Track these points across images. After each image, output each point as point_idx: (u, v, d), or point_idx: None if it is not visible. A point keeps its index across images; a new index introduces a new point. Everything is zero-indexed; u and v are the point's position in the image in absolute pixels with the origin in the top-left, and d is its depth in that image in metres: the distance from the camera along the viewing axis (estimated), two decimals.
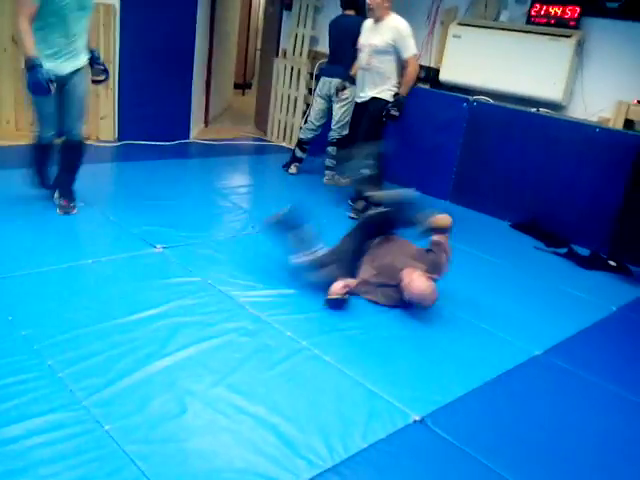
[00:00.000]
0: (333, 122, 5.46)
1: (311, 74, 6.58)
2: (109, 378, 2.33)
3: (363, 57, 4.66)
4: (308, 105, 6.39)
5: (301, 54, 6.74)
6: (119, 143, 5.95)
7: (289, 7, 6.83)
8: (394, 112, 4.50)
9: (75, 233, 3.82)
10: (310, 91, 6.56)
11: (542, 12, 5.10)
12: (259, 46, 9.49)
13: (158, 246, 3.61)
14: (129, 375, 2.37)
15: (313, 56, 6.65)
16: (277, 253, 3.49)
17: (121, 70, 5.84)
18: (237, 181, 5.70)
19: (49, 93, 3.50)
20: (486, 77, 5.34)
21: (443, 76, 5.65)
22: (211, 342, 2.68)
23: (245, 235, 4.07)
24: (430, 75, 5.74)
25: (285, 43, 6.96)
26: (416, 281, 3.09)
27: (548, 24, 5.06)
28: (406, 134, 5.35)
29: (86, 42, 3.79)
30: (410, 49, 4.49)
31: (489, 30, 5.31)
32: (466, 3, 5.61)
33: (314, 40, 6.70)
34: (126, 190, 4.73)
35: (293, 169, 5.75)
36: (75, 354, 2.45)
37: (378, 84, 4.61)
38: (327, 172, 5.63)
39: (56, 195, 4.04)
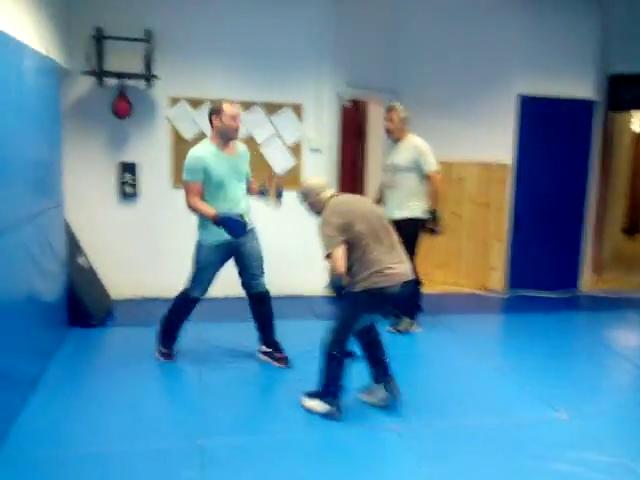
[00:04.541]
0: None
1: None
2: None
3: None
4: None
5: None
6: (507, 294, 5.99)
7: None
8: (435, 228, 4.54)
9: (477, 388, 3.77)
10: None
11: None
12: None
13: (562, 411, 3.36)
14: None
15: None
16: None
17: (515, 222, 5.99)
18: (636, 340, 5.09)
19: (245, 232, 3.53)
20: None
21: None
22: None
23: None
24: None
25: None
26: None
27: None
28: None
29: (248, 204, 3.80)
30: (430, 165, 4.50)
31: None
32: None
33: None
34: (514, 344, 4.67)
35: None
36: None
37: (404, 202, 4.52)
38: None
39: None
